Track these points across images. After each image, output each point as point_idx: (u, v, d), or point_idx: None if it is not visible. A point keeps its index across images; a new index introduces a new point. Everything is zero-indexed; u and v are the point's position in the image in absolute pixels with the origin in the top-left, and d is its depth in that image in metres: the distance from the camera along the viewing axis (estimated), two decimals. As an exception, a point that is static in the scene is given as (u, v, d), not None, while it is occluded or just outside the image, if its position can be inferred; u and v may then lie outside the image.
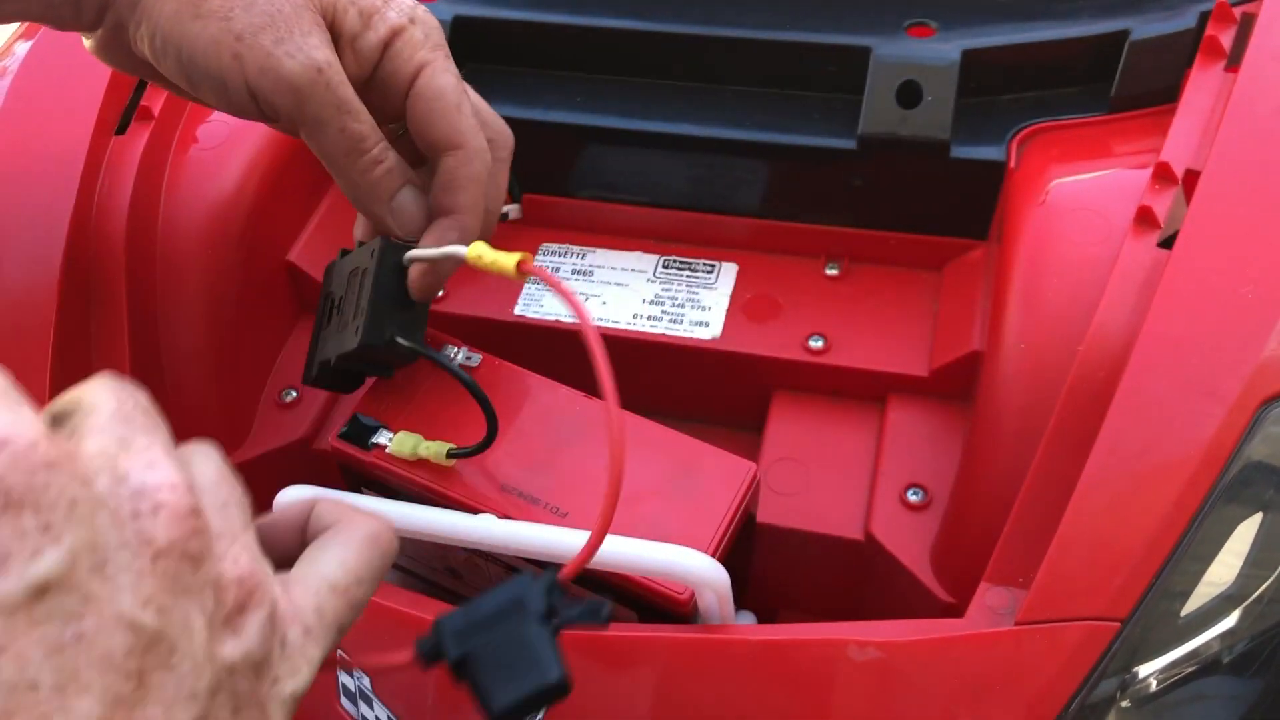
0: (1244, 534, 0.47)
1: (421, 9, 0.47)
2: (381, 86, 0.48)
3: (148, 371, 0.61)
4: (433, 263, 0.47)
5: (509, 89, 0.70)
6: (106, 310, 0.60)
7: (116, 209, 0.62)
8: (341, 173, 0.46)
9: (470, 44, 0.71)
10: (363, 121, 0.44)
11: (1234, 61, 0.60)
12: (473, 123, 0.47)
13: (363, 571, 0.32)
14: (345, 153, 0.45)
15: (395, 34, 0.45)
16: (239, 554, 0.27)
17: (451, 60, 0.47)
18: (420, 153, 0.49)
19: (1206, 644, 0.46)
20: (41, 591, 0.23)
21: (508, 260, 0.42)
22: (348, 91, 0.44)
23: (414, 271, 0.48)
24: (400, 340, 0.48)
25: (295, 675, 0.29)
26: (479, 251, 0.44)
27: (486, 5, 0.70)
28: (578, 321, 0.36)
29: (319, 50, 0.42)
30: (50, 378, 0.55)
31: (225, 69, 0.42)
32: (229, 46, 0.42)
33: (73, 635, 0.23)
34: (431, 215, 0.48)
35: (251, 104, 0.44)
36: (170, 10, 0.43)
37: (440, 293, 0.62)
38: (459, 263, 0.46)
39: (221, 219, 0.64)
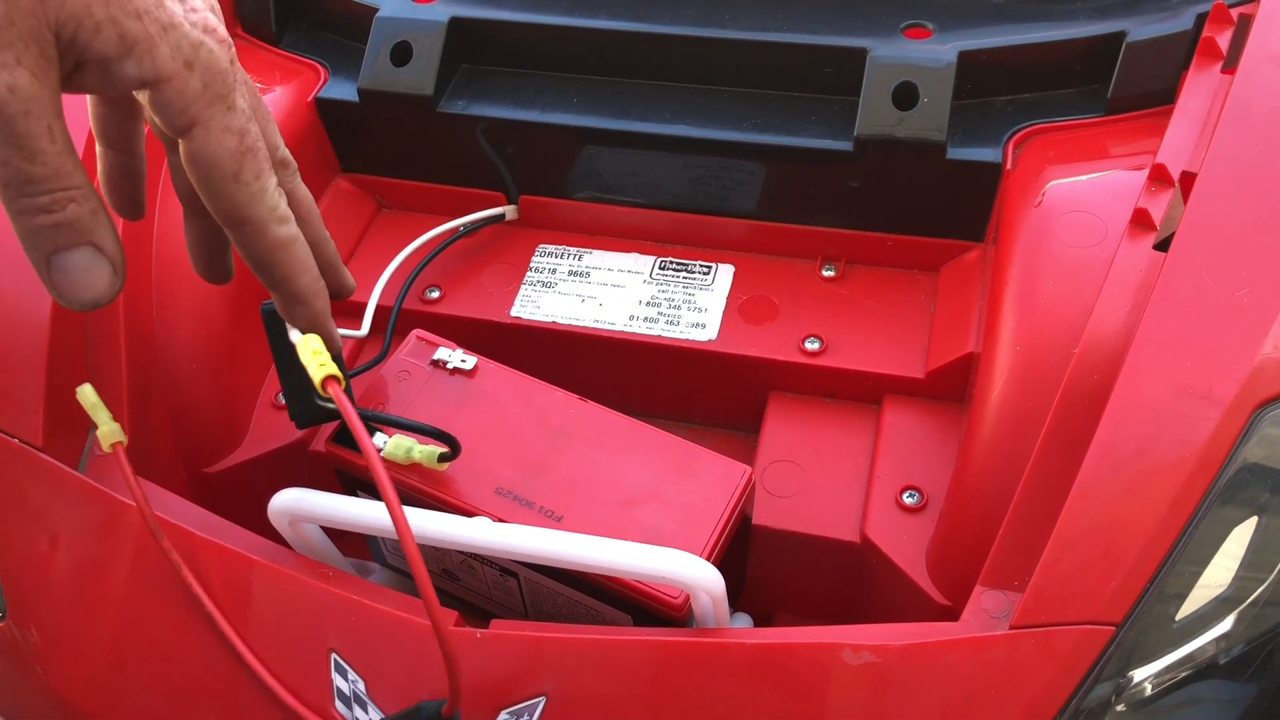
0: (1240, 537, 0.47)
1: (211, 43, 0.37)
2: (133, 108, 0.42)
3: (144, 373, 0.61)
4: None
5: (506, 90, 0.70)
6: (103, 311, 0.60)
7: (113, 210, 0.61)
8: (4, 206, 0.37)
9: (467, 45, 0.71)
10: (40, 163, 0.35)
11: (1231, 63, 0.60)
12: (254, 189, 0.39)
13: None
14: (4, 187, 0.36)
15: (163, 82, 0.36)
16: None
17: (239, 108, 0.39)
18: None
19: (1202, 648, 0.46)
20: None
21: (316, 371, 0.41)
22: (29, 127, 0.34)
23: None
24: (322, 404, 0.47)
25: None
26: (303, 350, 0.42)
27: (483, 6, 0.70)
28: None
29: (6, 73, 0.33)
30: (46, 380, 0.55)
31: None
32: None
33: None
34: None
35: None
36: None
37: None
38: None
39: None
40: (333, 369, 0.41)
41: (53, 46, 0.34)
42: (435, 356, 0.55)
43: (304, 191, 0.47)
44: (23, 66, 0.33)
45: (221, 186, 0.39)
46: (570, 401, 0.53)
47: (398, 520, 0.38)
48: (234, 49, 0.39)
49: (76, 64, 0.35)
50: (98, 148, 0.44)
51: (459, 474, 0.50)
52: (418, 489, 0.50)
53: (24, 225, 0.37)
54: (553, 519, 0.49)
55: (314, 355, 0.42)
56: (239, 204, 0.39)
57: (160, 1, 0.36)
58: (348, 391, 0.45)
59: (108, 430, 0.50)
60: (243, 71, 0.41)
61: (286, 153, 0.45)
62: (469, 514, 0.48)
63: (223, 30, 0.38)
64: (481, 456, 0.50)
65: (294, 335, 0.43)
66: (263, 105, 0.43)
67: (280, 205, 0.41)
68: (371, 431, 0.51)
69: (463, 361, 0.54)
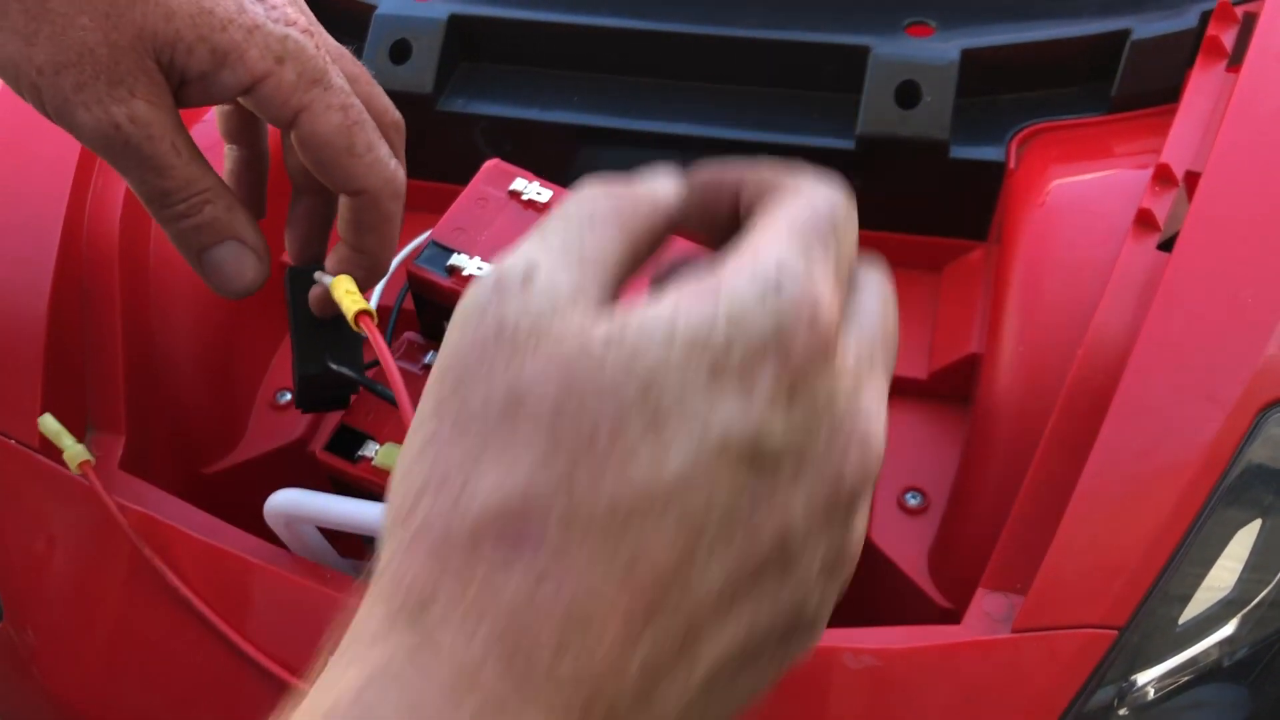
0: (1244, 539, 0.46)
1: (295, 34, 0.39)
2: (248, 112, 0.43)
3: (142, 373, 0.60)
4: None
5: (506, 88, 0.70)
6: (100, 311, 0.60)
7: (110, 209, 0.61)
8: (153, 217, 0.42)
9: (466, 43, 0.70)
10: (170, 176, 0.39)
11: (1236, 62, 0.59)
12: (369, 159, 0.41)
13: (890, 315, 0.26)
14: (149, 202, 0.40)
15: (259, 81, 0.38)
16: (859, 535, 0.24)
17: (336, 85, 0.40)
18: None
19: (1205, 651, 0.45)
20: (758, 458, 0.21)
21: (349, 305, 0.42)
22: (155, 148, 0.38)
23: (311, 292, 0.46)
24: (333, 366, 0.47)
25: (814, 631, 0.24)
26: (340, 288, 0.43)
27: (483, 4, 0.70)
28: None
29: (121, 106, 0.37)
30: (43, 380, 0.55)
31: (26, 96, 0.38)
32: (28, 76, 0.36)
33: (748, 512, 0.21)
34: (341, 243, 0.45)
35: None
36: None
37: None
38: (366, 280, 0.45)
39: (216, 220, 0.64)
40: (365, 305, 0.42)
41: (158, 73, 0.37)
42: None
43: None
44: (137, 97, 0.37)
45: (337, 162, 0.41)
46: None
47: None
48: (320, 34, 0.41)
49: (180, 83, 0.38)
50: (225, 147, 0.46)
51: None
52: None
53: (172, 231, 0.41)
54: None
55: (347, 294, 0.43)
56: (356, 175, 0.41)
57: (242, 8, 0.38)
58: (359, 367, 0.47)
59: (73, 453, 0.51)
60: (337, 45, 0.42)
61: (398, 115, 0.46)
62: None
63: (304, 20, 0.40)
64: None
65: (324, 278, 0.44)
66: (365, 72, 0.44)
67: (397, 177, 0.43)
68: (360, 444, 0.51)
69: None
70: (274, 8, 0.39)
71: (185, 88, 0.38)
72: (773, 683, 0.23)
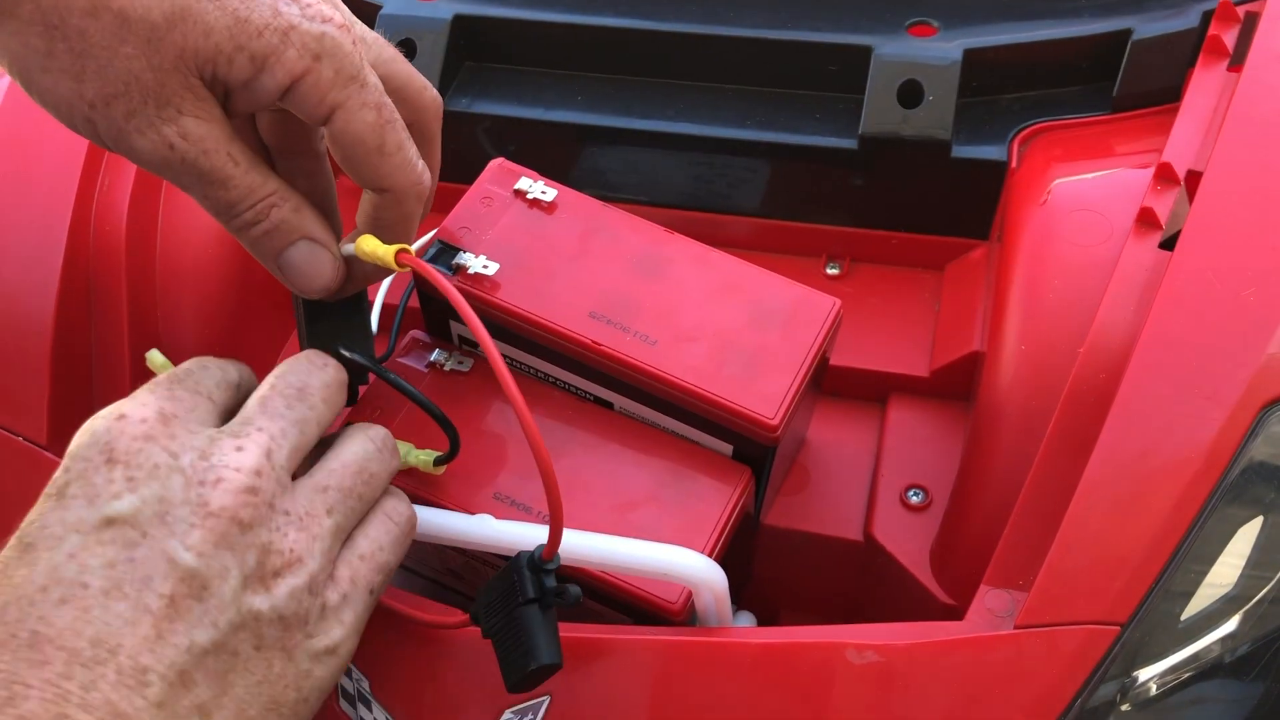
0: (1246, 536, 0.47)
1: (332, 31, 0.39)
2: (298, 122, 0.44)
3: (147, 372, 0.60)
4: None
5: (509, 88, 0.70)
6: (107, 311, 0.60)
7: (116, 209, 0.61)
8: (227, 230, 0.43)
9: (470, 43, 0.71)
10: (233, 186, 0.40)
11: (1237, 61, 0.59)
12: (398, 159, 0.42)
13: (384, 540, 0.41)
14: (217, 214, 0.41)
15: (297, 80, 0.39)
16: (297, 536, 0.37)
17: (370, 84, 0.41)
18: None
19: (1208, 647, 0.46)
20: (110, 522, 0.34)
21: (386, 252, 0.42)
22: (211, 162, 0.39)
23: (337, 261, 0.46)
24: (344, 352, 0.46)
25: (327, 633, 0.38)
26: (364, 246, 0.43)
27: (487, 4, 0.70)
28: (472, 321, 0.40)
29: (171, 125, 0.38)
30: (50, 379, 0.55)
31: (82, 130, 0.39)
32: (81, 112, 0.37)
33: (125, 557, 0.33)
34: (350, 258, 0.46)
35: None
36: (16, 49, 0.37)
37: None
38: (378, 267, 0.44)
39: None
40: (398, 245, 0.43)
41: (203, 88, 0.38)
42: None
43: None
44: (185, 115, 0.38)
45: (367, 160, 0.41)
46: (568, 403, 0.53)
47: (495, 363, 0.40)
48: (355, 27, 0.41)
49: (225, 94, 0.39)
50: (276, 162, 0.46)
51: (455, 478, 0.50)
52: (413, 493, 0.50)
53: (246, 240, 0.42)
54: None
55: (376, 245, 0.43)
56: (384, 174, 0.42)
57: (276, 11, 0.38)
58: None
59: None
60: (373, 33, 0.43)
61: (436, 94, 0.47)
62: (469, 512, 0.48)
63: (340, 16, 0.40)
64: (478, 461, 0.50)
65: (345, 247, 0.44)
66: (399, 54, 0.45)
67: (423, 179, 0.43)
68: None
69: (460, 364, 0.54)
70: (308, 5, 0.39)
71: (230, 99, 0.39)
72: (297, 696, 0.37)
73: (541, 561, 0.41)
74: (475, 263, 0.52)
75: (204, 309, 0.63)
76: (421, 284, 0.53)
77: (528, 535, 0.45)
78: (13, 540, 0.34)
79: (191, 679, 0.33)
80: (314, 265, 0.43)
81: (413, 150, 0.43)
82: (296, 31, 0.38)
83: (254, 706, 0.35)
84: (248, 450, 0.37)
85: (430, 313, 0.55)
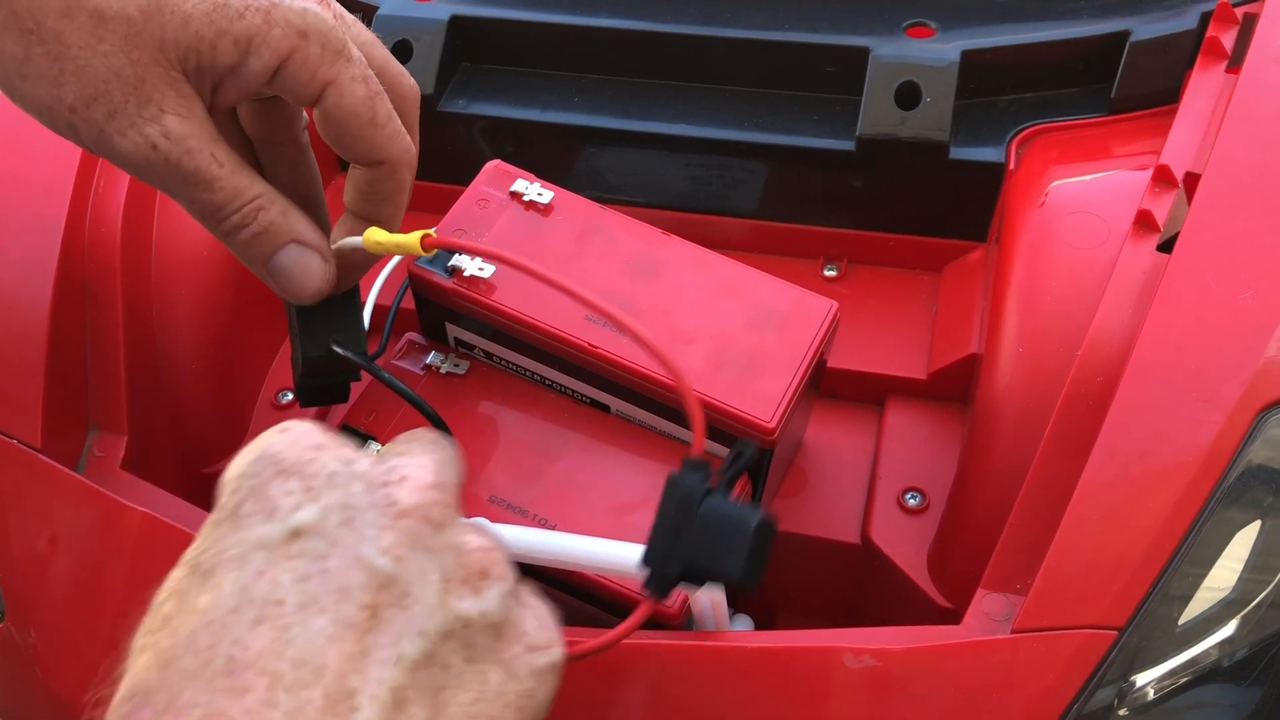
0: (1244, 540, 0.46)
1: (314, 7, 0.38)
2: (285, 106, 0.43)
3: (143, 373, 0.60)
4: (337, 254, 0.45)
5: (505, 89, 0.70)
6: (102, 312, 0.60)
7: (111, 210, 0.61)
8: (213, 234, 0.42)
9: (467, 43, 0.70)
10: (218, 189, 0.39)
11: (1235, 63, 0.59)
12: (389, 130, 0.41)
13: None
14: (203, 219, 0.40)
15: (285, 60, 0.38)
16: (484, 541, 0.33)
17: (356, 57, 0.40)
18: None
19: (1206, 651, 0.46)
20: (296, 534, 0.30)
21: (409, 239, 0.42)
22: (195, 163, 0.38)
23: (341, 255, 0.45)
24: (337, 349, 0.46)
25: (548, 649, 0.33)
26: (376, 238, 0.42)
27: (484, 4, 0.70)
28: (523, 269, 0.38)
29: (154, 124, 0.36)
30: (44, 382, 0.55)
31: (66, 134, 0.38)
32: (63, 116, 0.36)
33: (318, 569, 0.29)
34: (353, 218, 0.45)
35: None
36: (3, 52, 0.36)
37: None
38: (369, 255, 0.44)
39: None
40: (420, 231, 0.42)
41: (185, 84, 0.37)
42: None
43: None
44: (167, 113, 0.37)
45: (361, 133, 0.40)
46: (566, 406, 0.53)
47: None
48: (334, 4, 0.40)
49: (214, 86, 0.38)
50: (259, 155, 0.45)
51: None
52: None
53: (233, 245, 0.41)
54: (546, 528, 0.48)
55: (388, 236, 0.42)
56: (379, 146, 0.41)
57: None
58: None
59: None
60: (348, 14, 0.42)
61: (413, 82, 0.46)
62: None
63: None
64: (475, 464, 0.50)
65: (350, 241, 0.43)
66: (377, 39, 0.44)
67: (412, 147, 0.43)
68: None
69: (455, 366, 0.54)
70: None
71: (219, 90, 0.38)
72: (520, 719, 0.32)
73: (698, 461, 0.37)
74: (471, 265, 0.51)
75: (200, 310, 0.63)
76: (418, 287, 0.53)
77: (513, 538, 0.45)
78: (180, 572, 0.31)
79: (404, 697, 0.29)
80: (304, 269, 0.42)
81: (398, 119, 0.42)
82: (279, 9, 0.37)
83: None
84: (421, 455, 0.33)
85: (426, 315, 0.55)
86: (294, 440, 0.32)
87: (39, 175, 0.61)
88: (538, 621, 0.33)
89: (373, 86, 0.40)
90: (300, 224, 0.42)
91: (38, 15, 0.35)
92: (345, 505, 0.31)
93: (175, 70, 0.36)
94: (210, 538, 0.31)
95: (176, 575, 0.30)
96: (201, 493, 0.63)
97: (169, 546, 0.51)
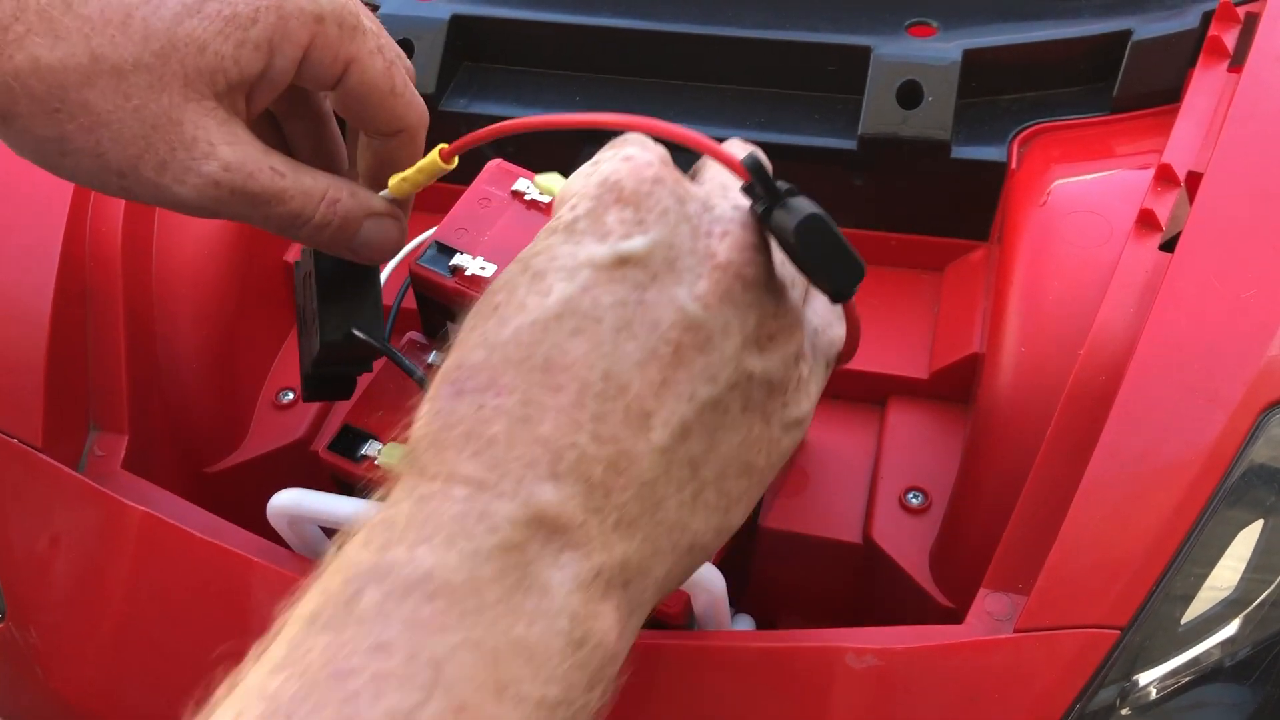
0: (1246, 539, 0.46)
1: None
2: (308, 90, 0.43)
3: (144, 372, 0.60)
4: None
5: (507, 88, 0.70)
6: (103, 311, 0.60)
7: (113, 209, 0.61)
8: (296, 240, 0.42)
9: (468, 43, 0.70)
10: (289, 199, 0.39)
11: (1237, 62, 0.59)
12: (408, 96, 0.42)
13: (830, 316, 0.40)
14: (283, 231, 0.40)
15: (308, 48, 0.38)
16: (787, 304, 0.34)
17: (369, 28, 0.40)
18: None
19: (1208, 651, 0.45)
20: (623, 261, 0.32)
21: (428, 161, 0.41)
22: (260, 183, 0.38)
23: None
24: (358, 334, 0.46)
25: (798, 404, 0.36)
26: (397, 179, 0.42)
27: (485, 4, 0.70)
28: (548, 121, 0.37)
29: (209, 162, 0.36)
30: (45, 381, 0.55)
31: (123, 198, 0.38)
32: (113, 183, 0.36)
33: (635, 298, 0.32)
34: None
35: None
36: (31, 145, 0.36)
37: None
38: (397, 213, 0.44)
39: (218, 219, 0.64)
40: (434, 149, 0.42)
41: (220, 109, 0.37)
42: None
43: None
44: (218, 145, 0.36)
45: (382, 104, 0.41)
46: None
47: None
48: None
49: (247, 97, 0.38)
50: (284, 129, 0.45)
51: None
52: None
53: (320, 242, 0.41)
54: None
55: (404, 174, 0.42)
56: (399, 115, 0.41)
57: None
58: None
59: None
60: None
61: (406, 60, 0.45)
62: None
63: None
64: None
65: (383, 196, 0.43)
66: (370, 14, 0.43)
67: (426, 111, 0.43)
68: (362, 443, 0.51)
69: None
70: None
71: (253, 99, 0.38)
72: (766, 463, 0.35)
73: (755, 164, 0.34)
74: (473, 264, 0.51)
75: (201, 310, 0.63)
76: (419, 287, 0.53)
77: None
78: (515, 268, 0.33)
79: (689, 431, 0.32)
80: (383, 236, 0.43)
81: (412, 84, 0.42)
82: (292, 2, 0.37)
83: (733, 466, 0.34)
84: (742, 205, 0.34)
85: (428, 314, 0.55)
86: (634, 171, 0.33)
87: (40, 175, 0.61)
88: (799, 381, 0.36)
89: (388, 54, 0.40)
90: (368, 197, 0.42)
91: (59, 93, 0.34)
92: (670, 245, 0.32)
93: (208, 99, 0.36)
94: (544, 244, 0.33)
95: (512, 269, 0.33)
96: (202, 492, 0.63)
97: (169, 546, 0.51)
